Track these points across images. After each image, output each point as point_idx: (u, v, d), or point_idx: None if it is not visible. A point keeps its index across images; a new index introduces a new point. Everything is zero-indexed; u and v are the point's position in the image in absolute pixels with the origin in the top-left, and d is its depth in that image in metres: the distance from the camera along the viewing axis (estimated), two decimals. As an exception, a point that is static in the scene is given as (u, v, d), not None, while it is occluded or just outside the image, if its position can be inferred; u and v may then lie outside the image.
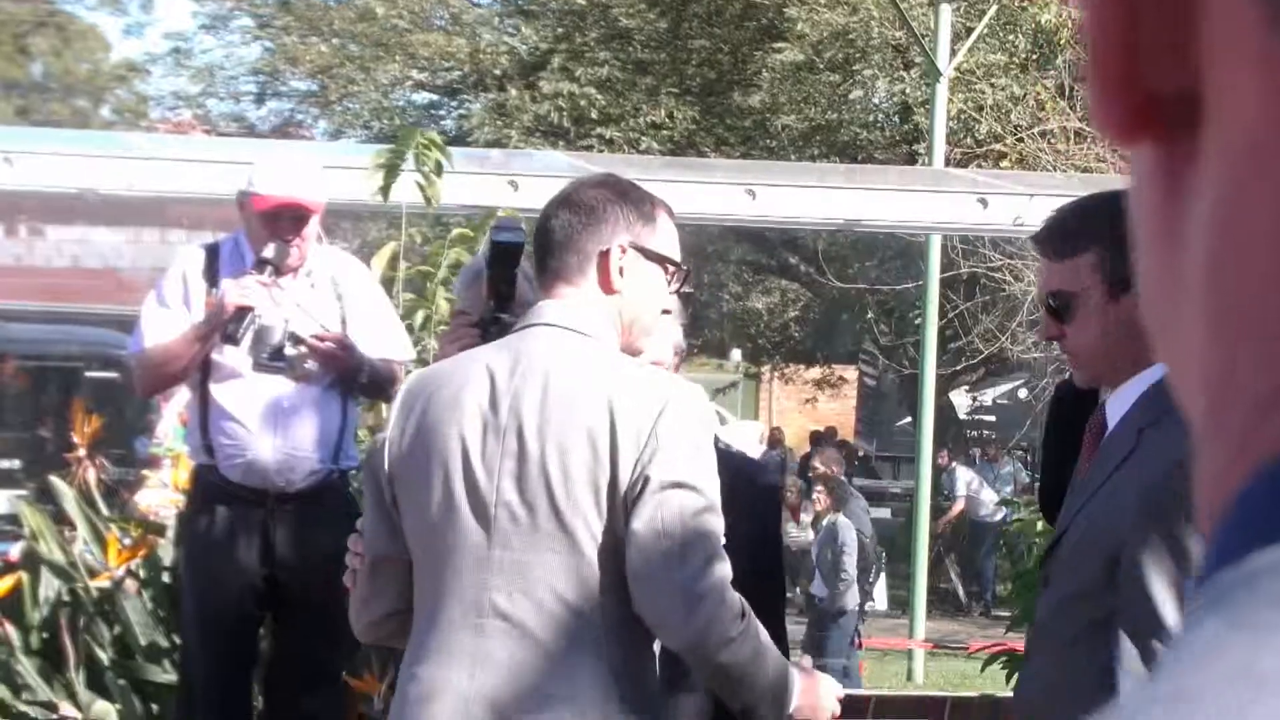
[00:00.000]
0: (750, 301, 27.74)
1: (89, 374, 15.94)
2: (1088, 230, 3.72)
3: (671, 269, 3.92)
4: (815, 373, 30.41)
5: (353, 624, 3.88)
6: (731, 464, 4.96)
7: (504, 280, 4.61)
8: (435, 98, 27.84)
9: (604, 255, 3.78)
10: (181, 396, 10.28)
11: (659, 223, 3.90)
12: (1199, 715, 0.39)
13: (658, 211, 3.92)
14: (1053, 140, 18.10)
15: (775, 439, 27.30)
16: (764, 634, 3.75)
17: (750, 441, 13.49)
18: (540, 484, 3.63)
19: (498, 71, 25.85)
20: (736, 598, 3.71)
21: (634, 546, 3.60)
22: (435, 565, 3.77)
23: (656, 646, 3.79)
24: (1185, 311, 0.47)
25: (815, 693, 3.90)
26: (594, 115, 23.98)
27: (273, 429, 5.97)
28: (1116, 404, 3.67)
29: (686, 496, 3.63)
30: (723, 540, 3.72)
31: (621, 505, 3.60)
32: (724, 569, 3.70)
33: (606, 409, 3.62)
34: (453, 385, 3.86)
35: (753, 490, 4.71)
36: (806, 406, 30.93)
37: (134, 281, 25.96)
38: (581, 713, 3.62)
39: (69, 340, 17.73)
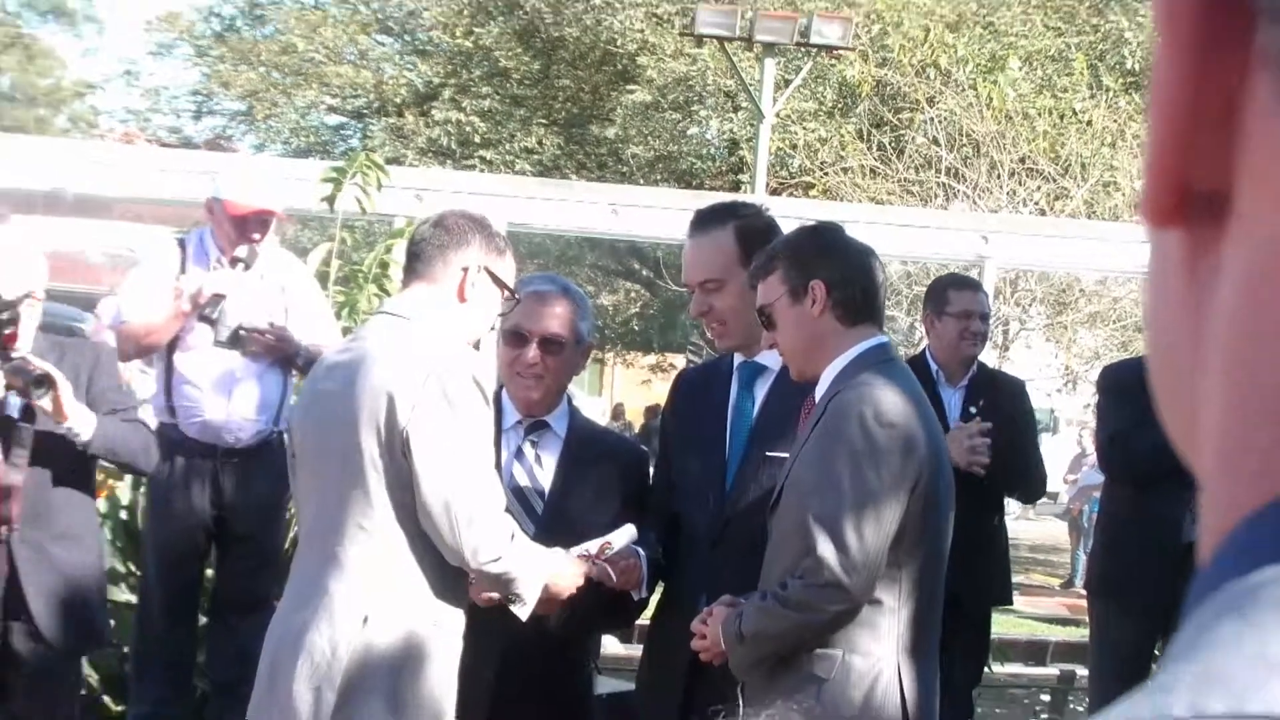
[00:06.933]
0: (599, 299, 27.74)
1: (48, 341, 15.55)
2: (770, 252, 3.90)
3: (508, 295, 3.99)
4: (651, 359, 30.46)
5: None
6: (609, 437, 5.10)
7: None
8: (344, 120, 27.57)
9: (461, 271, 3.87)
10: (127, 368, 10.18)
11: (507, 257, 3.98)
12: (1226, 691, 0.40)
13: (507, 248, 3.99)
14: (852, 175, 18.21)
15: (618, 413, 27.41)
16: (529, 552, 3.85)
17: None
18: (349, 434, 3.72)
19: (397, 100, 25.60)
20: (503, 523, 3.78)
21: (417, 483, 3.69)
22: (305, 499, 3.98)
23: None
24: (1201, 370, 0.49)
25: (558, 574, 3.99)
26: (476, 140, 23.77)
27: (225, 395, 5.99)
28: (822, 381, 3.78)
29: (450, 439, 3.69)
30: (492, 474, 3.84)
31: (401, 447, 3.67)
32: (489, 498, 3.77)
33: (390, 372, 3.71)
34: (322, 365, 4.01)
35: (628, 454, 4.82)
36: (643, 387, 30.96)
37: (89, 264, 25.60)
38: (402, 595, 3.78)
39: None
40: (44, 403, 4.96)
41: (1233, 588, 0.44)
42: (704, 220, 4.39)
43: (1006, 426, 6.24)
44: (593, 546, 4.12)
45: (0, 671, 5.19)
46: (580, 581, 4.05)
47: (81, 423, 4.99)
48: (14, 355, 4.91)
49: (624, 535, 4.18)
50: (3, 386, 4.95)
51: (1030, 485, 6.61)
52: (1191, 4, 0.45)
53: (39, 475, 5.11)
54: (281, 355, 6.00)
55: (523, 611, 3.87)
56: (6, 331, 4.89)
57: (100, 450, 5.10)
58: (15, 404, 4.99)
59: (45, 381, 4.90)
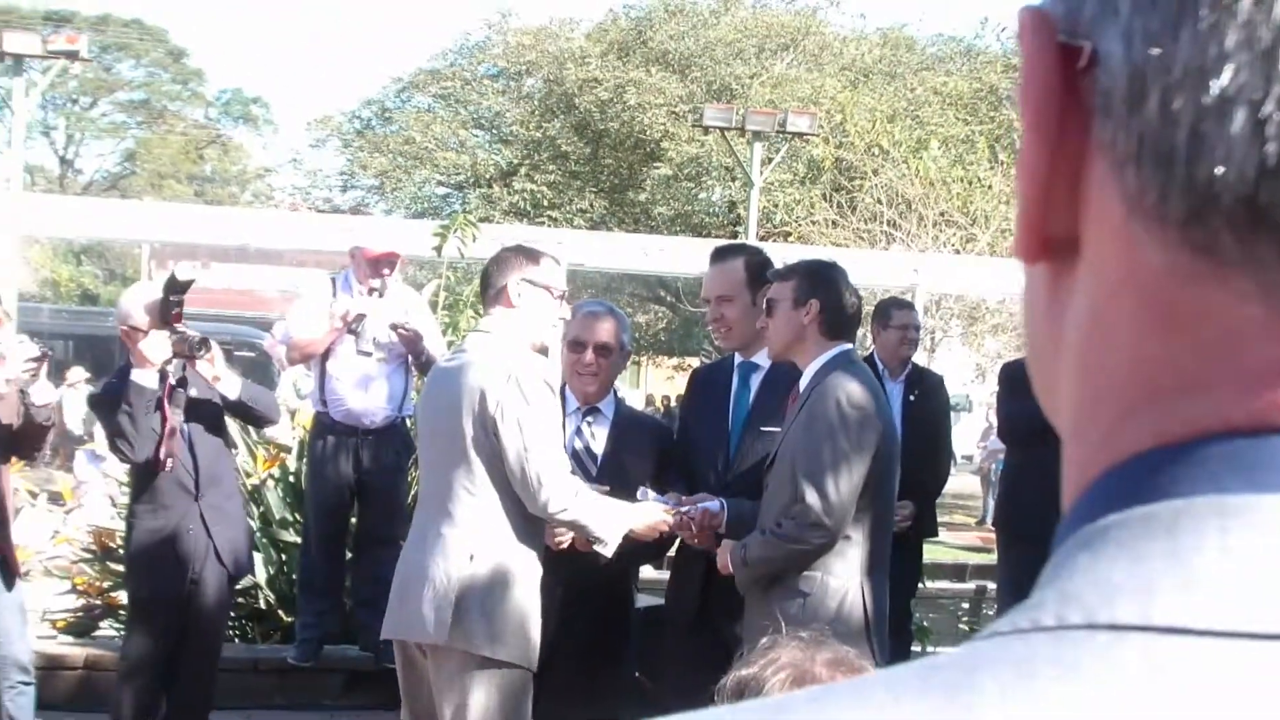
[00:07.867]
0: (636, 318, 27.61)
1: (236, 353, 15.71)
2: (792, 268, 3.88)
3: (557, 292, 3.90)
4: (674, 361, 30.36)
5: None
6: (644, 419, 5.02)
7: None
8: (449, 190, 27.52)
9: (504, 288, 3.81)
10: (292, 372, 10.16)
11: (542, 263, 3.87)
12: (1080, 607, 0.41)
13: (543, 257, 3.89)
14: (818, 226, 18.15)
15: (650, 401, 27.34)
16: (595, 504, 3.78)
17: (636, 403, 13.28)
18: (455, 421, 3.68)
19: (487, 176, 25.65)
20: (569, 482, 3.73)
21: (504, 455, 3.64)
22: (425, 468, 3.94)
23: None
24: (1060, 366, 0.49)
25: (645, 520, 3.92)
26: (545, 203, 23.83)
27: (363, 390, 5.93)
28: (805, 376, 3.76)
29: (526, 423, 3.64)
30: (559, 448, 3.77)
31: (492, 430, 3.63)
32: (556, 464, 3.71)
33: (482, 375, 3.66)
34: (436, 369, 3.97)
35: (658, 431, 4.75)
36: (668, 381, 30.84)
37: (265, 298, 25.71)
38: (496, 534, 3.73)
39: (224, 333, 17.39)
40: (203, 363, 4.91)
41: (1084, 530, 0.44)
42: (723, 253, 4.41)
43: (933, 412, 6.23)
44: (681, 505, 4.04)
45: (193, 595, 5.16)
46: (663, 528, 3.99)
47: (230, 381, 5.00)
48: (178, 329, 4.86)
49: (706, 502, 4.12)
50: (170, 353, 4.88)
51: (937, 480, 6.46)
52: (1049, 105, 0.46)
53: (206, 445, 5.08)
54: (414, 349, 5.92)
55: (605, 550, 3.82)
56: (175, 310, 4.82)
57: (247, 399, 5.11)
58: (175, 373, 4.94)
59: (205, 344, 4.87)
